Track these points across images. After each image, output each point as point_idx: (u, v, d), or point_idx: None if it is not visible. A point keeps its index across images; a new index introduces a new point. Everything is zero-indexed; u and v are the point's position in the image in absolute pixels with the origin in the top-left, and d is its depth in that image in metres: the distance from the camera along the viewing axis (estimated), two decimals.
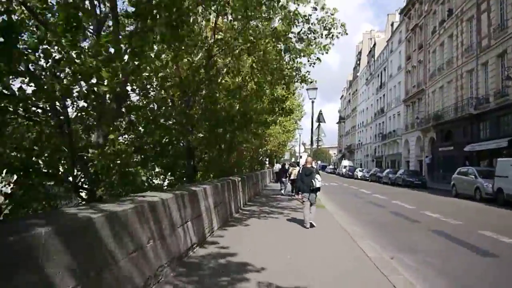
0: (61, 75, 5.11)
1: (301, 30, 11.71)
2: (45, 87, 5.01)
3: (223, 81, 12.70)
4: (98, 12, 6.09)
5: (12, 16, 4.65)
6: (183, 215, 6.19)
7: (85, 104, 6.06)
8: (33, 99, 5.19)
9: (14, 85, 4.78)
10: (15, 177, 6.40)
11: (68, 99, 5.81)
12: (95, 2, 6.11)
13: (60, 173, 6.41)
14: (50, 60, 4.68)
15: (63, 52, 4.60)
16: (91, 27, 6.41)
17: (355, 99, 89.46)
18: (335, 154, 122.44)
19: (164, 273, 4.86)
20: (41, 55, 4.63)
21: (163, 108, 10.15)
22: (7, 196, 6.39)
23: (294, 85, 15.75)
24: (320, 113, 17.54)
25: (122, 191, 8.93)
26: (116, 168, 6.69)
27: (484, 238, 9.49)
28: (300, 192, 10.60)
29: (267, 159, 41.78)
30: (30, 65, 4.72)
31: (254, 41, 10.88)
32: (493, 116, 27.97)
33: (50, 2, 5.44)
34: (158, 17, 6.06)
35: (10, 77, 4.54)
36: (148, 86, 9.33)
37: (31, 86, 5.08)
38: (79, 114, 6.75)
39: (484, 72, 29.74)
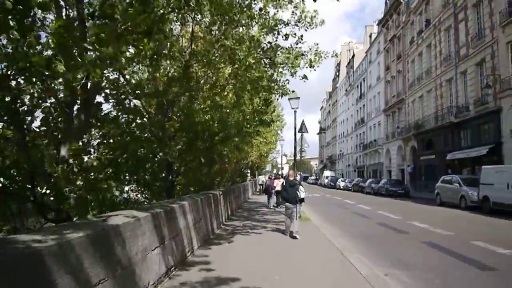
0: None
1: (283, 36, 11.26)
2: None
3: (201, 93, 12.13)
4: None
5: None
6: (159, 235, 5.55)
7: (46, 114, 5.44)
8: None
9: None
10: None
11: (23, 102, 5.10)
12: None
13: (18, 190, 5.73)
14: None
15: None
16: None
17: (335, 110, 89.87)
18: (316, 165, 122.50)
19: None
20: None
21: (138, 119, 9.56)
22: None
23: (273, 96, 15.31)
24: (303, 123, 17.10)
25: (93, 210, 8.23)
26: (82, 185, 6.04)
27: (478, 249, 9.08)
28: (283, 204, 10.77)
29: (249, 171, 41.15)
30: None
31: (233, 48, 10.37)
32: (473, 124, 28.08)
33: None
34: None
35: None
36: (122, 96, 8.74)
37: None
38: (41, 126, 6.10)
39: (463, 80, 29.95)
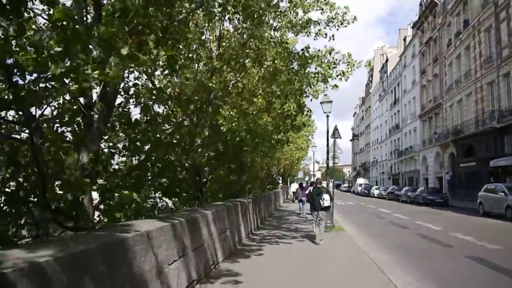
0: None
1: (314, 35, 10.75)
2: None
3: (229, 99, 11.71)
4: None
5: None
6: (178, 248, 5.09)
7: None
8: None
9: None
10: None
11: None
12: None
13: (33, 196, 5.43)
14: None
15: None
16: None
17: (368, 116, 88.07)
18: (349, 172, 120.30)
19: None
20: None
21: (166, 124, 9.23)
22: None
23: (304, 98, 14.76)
24: (336, 129, 16.35)
25: (117, 217, 7.89)
26: (99, 192, 5.69)
27: None
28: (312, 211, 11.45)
29: (280, 178, 40.53)
30: None
31: (261, 48, 9.91)
32: None
33: None
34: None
35: None
36: (143, 100, 8.41)
37: None
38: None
39: (506, 83, 28.31)
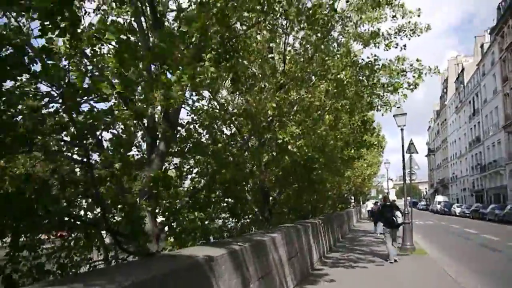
0: None
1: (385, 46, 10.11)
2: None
3: (294, 117, 11.27)
4: None
5: None
6: (242, 276, 4.66)
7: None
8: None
9: None
10: None
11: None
12: None
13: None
14: None
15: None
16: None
17: (444, 129, 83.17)
18: (426, 189, 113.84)
19: None
20: None
21: (233, 144, 9.02)
22: None
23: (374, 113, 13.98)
24: (411, 143, 15.21)
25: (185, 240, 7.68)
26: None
27: None
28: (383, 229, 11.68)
29: (352, 197, 39.04)
30: None
31: (325, 60, 9.44)
32: None
33: None
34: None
35: None
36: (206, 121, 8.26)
37: None
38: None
39: None
